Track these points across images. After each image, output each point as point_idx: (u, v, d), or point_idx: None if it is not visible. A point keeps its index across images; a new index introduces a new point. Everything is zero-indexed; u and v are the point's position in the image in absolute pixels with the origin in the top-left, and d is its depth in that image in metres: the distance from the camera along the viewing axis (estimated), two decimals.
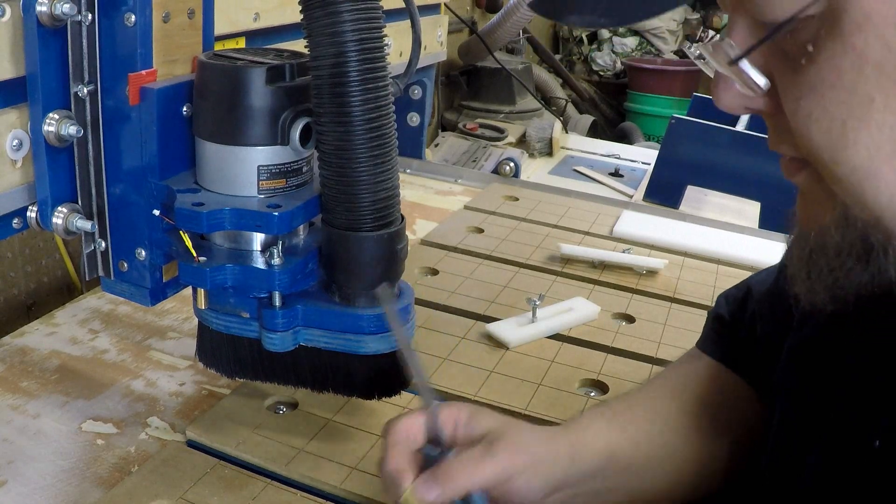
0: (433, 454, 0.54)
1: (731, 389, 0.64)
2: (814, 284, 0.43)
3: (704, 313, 0.71)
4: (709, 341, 0.68)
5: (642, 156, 2.12)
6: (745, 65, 0.38)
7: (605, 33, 4.06)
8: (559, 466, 0.56)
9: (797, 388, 0.53)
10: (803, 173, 0.41)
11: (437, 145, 2.13)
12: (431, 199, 1.45)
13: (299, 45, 0.61)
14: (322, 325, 0.65)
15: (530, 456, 0.55)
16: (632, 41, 4.03)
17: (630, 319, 0.99)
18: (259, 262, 0.63)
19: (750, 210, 1.57)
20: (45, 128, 0.63)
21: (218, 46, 0.74)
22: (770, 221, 1.46)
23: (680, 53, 4.16)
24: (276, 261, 0.62)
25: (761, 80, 0.38)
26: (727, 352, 0.66)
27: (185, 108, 0.65)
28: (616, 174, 1.96)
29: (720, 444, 0.62)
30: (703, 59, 0.40)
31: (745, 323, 0.65)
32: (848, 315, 0.43)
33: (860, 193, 0.37)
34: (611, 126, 3.49)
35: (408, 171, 1.57)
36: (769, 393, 0.59)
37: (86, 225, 0.67)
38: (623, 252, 1.15)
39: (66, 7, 0.60)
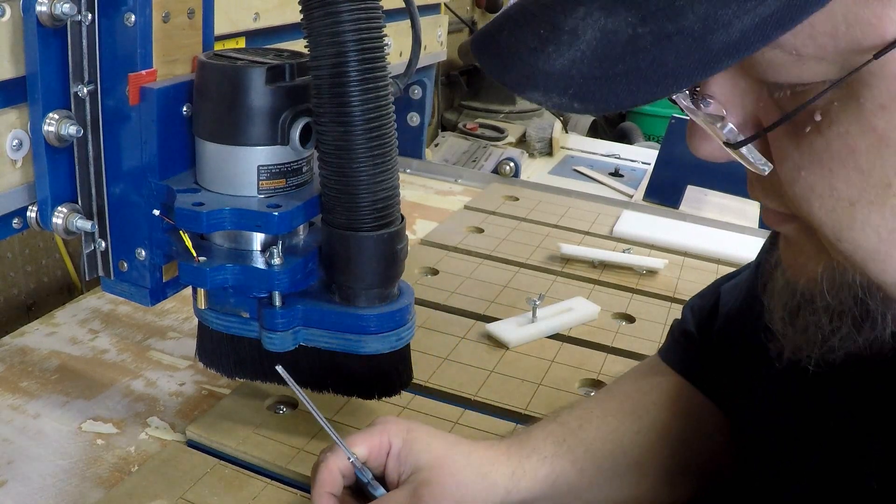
0: (364, 478, 0.57)
1: (697, 412, 0.61)
2: (800, 342, 0.40)
3: None
4: (674, 354, 0.66)
5: (642, 156, 2.12)
6: (749, 149, 0.33)
7: None
8: (492, 500, 0.56)
9: (777, 420, 0.51)
10: (792, 225, 0.38)
11: (437, 145, 2.13)
12: (431, 199, 1.45)
13: (299, 45, 0.61)
14: (322, 325, 0.65)
15: (458, 501, 0.55)
16: None
17: (630, 319, 0.99)
18: (259, 262, 0.63)
19: (750, 210, 1.57)
20: (45, 128, 0.63)
21: (218, 46, 0.74)
22: None
23: None
24: (276, 261, 0.62)
25: (762, 165, 0.34)
26: (694, 369, 0.63)
27: (185, 108, 0.65)
28: (616, 174, 1.96)
29: (680, 474, 0.60)
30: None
31: (712, 340, 0.63)
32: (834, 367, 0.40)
33: (862, 268, 0.34)
34: (611, 126, 3.49)
35: (408, 171, 1.57)
36: (736, 415, 0.58)
37: (86, 225, 0.67)
38: (623, 252, 1.15)
39: (66, 7, 0.60)
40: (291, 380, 0.59)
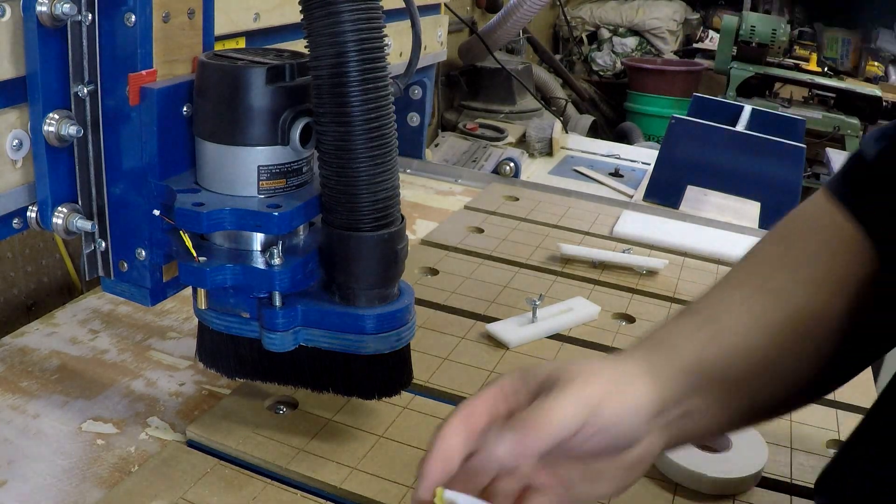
0: None
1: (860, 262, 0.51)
2: None
3: None
4: (845, 189, 0.54)
5: (642, 156, 2.12)
6: None
7: (605, 33, 4.06)
8: (646, 388, 0.47)
9: None
10: None
11: (437, 145, 2.14)
12: (431, 199, 1.45)
13: (299, 45, 0.61)
14: (322, 325, 0.65)
15: (607, 381, 0.45)
16: (632, 41, 4.04)
17: (630, 319, 0.99)
18: (259, 262, 0.63)
19: (750, 210, 1.57)
20: (45, 128, 0.63)
21: (218, 46, 0.74)
22: (770, 221, 1.46)
23: (679, 53, 4.16)
24: (276, 261, 0.62)
25: None
26: (866, 209, 0.52)
27: (185, 108, 0.65)
28: (616, 174, 1.96)
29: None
30: None
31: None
32: None
33: None
34: (611, 126, 3.50)
35: (408, 171, 1.57)
36: None
37: (86, 225, 0.67)
38: (623, 252, 1.15)
39: (66, 7, 0.60)
40: None
